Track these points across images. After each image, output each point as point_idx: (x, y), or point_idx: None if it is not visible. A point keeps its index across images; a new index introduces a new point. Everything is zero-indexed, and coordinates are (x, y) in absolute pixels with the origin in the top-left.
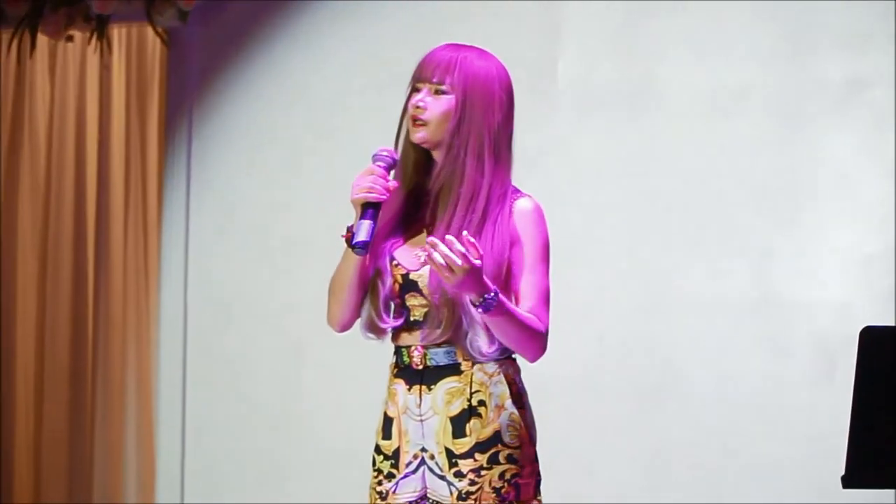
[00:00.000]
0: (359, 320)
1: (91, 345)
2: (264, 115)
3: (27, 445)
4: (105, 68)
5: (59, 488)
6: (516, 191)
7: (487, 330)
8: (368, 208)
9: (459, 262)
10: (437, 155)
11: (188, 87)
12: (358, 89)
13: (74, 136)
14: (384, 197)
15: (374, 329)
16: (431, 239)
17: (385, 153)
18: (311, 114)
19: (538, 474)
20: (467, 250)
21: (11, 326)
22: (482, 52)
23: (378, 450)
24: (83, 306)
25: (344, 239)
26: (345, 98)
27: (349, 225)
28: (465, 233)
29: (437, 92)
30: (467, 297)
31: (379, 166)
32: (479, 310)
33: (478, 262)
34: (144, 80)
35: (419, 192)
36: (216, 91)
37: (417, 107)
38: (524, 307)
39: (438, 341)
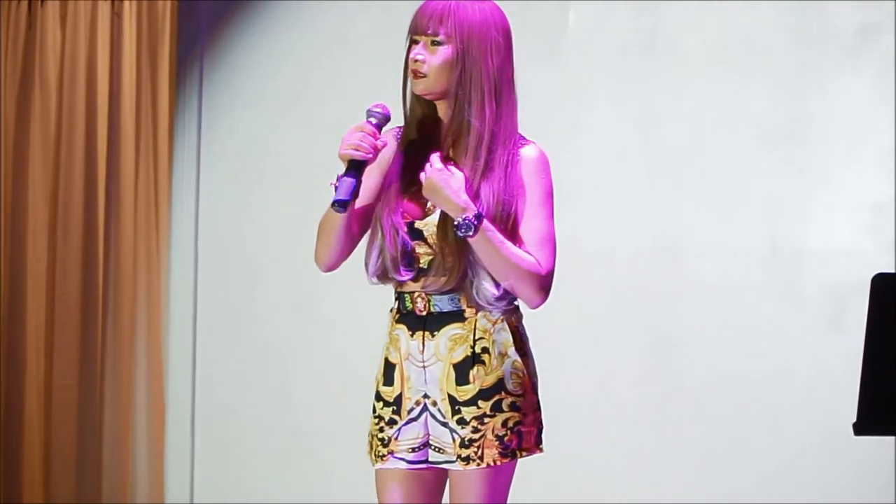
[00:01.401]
0: (370, 262)
1: (101, 293)
2: (275, 63)
3: (38, 395)
4: (116, 16)
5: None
6: (522, 138)
7: (493, 277)
8: (353, 166)
9: (434, 165)
10: (443, 106)
11: (199, 35)
12: (371, 37)
13: (85, 83)
14: (370, 156)
15: (385, 278)
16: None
17: (378, 110)
18: (323, 63)
19: (540, 423)
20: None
21: (22, 275)
22: None
23: (378, 396)
24: (94, 254)
25: (333, 185)
26: (358, 46)
27: (339, 174)
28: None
29: (434, 43)
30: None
31: (370, 123)
32: (460, 231)
33: (450, 171)
34: (155, 27)
35: (427, 143)
36: (227, 39)
37: (416, 60)
38: (531, 252)
39: (444, 289)
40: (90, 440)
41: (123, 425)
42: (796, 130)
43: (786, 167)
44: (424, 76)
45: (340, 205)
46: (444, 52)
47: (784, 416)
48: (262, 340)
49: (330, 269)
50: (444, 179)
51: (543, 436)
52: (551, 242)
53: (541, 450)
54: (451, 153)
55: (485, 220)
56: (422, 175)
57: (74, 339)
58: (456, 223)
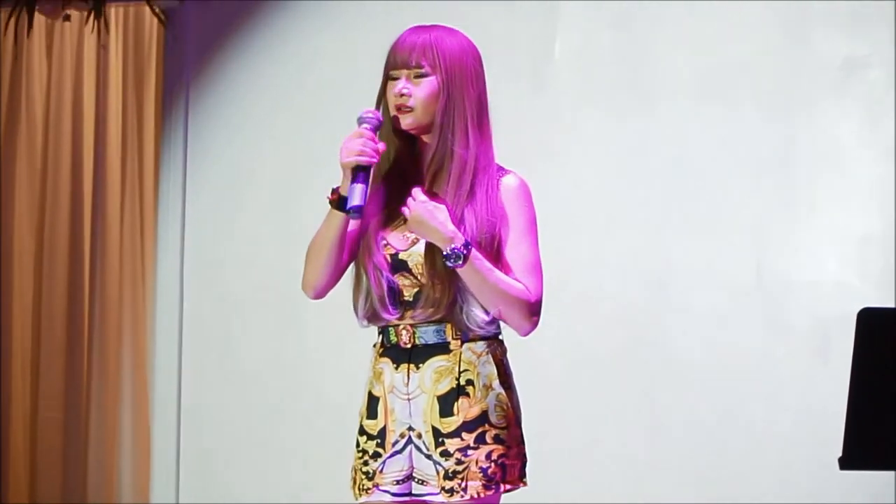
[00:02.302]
0: (358, 307)
1: (87, 323)
2: (261, 94)
3: (24, 424)
4: (102, 48)
5: (55, 463)
6: (501, 168)
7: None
8: (360, 171)
9: (417, 199)
10: (428, 138)
11: (185, 67)
12: (357, 67)
13: (71, 115)
14: (375, 160)
15: (375, 319)
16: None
17: (370, 115)
18: (309, 91)
19: (524, 456)
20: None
21: (8, 304)
22: (449, 29)
23: (362, 430)
24: (79, 286)
25: (329, 201)
26: (345, 77)
27: (335, 187)
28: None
29: (418, 76)
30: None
31: (366, 128)
32: (449, 262)
33: (417, 203)
34: (141, 59)
35: (406, 177)
36: (213, 71)
37: (402, 94)
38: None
39: (432, 319)
40: (76, 481)
41: (109, 455)
42: (783, 162)
43: (772, 199)
44: (411, 109)
45: (356, 210)
46: (430, 83)
47: (770, 448)
48: (249, 362)
49: (319, 294)
50: (429, 212)
51: (527, 469)
52: (538, 269)
53: (524, 483)
54: (432, 185)
55: (473, 249)
56: (405, 209)
57: (60, 369)
58: (445, 254)
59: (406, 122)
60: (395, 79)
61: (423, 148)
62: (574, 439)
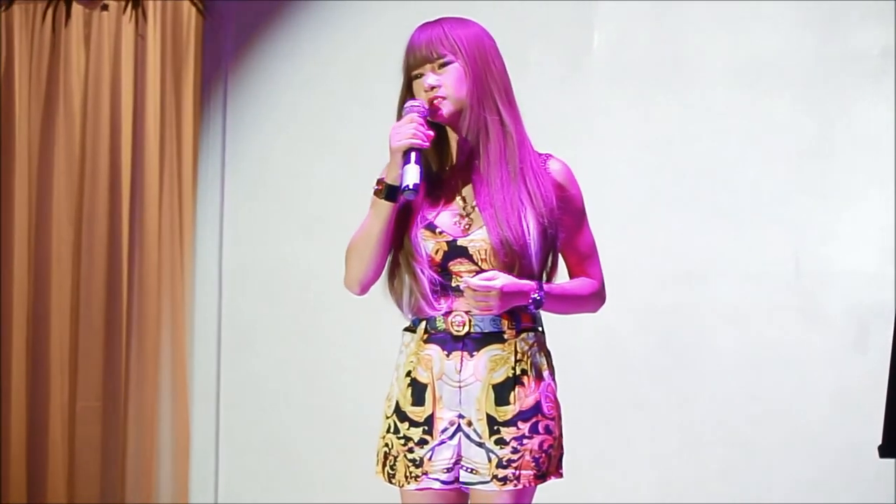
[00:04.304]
0: (402, 302)
1: (125, 313)
2: (299, 84)
3: (62, 411)
4: (140, 38)
5: (93, 459)
6: (538, 153)
7: None
8: (412, 153)
9: (492, 283)
10: (458, 123)
11: (223, 57)
12: (396, 54)
13: (109, 106)
14: (426, 144)
15: (421, 312)
16: (464, 285)
17: (417, 104)
18: (345, 82)
19: (562, 447)
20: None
21: (46, 294)
22: (457, 18)
23: (403, 417)
24: (118, 274)
25: (375, 192)
26: (381, 65)
27: (379, 177)
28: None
29: (442, 66)
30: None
31: (415, 116)
32: (532, 308)
33: (498, 281)
34: (179, 49)
35: (440, 168)
36: (251, 60)
37: (432, 87)
38: (583, 266)
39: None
40: (114, 461)
41: (148, 445)
42: (820, 152)
43: (810, 189)
44: (445, 98)
45: (414, 189)
46: (455, 69)
47: (806, 437)
48: (288, 358)
49: (365, 289)
50: (511, 280)
51: (563, 461)
52: (596, 250)
53: (561, 475)
54: (468, 167)
55: (544, 286)
56: (473, 303)
57: (98, 359)
58: (529, 305)
59: (442, 111)
60: (420, 76)
61: (457, 133)
62: (608, 430)
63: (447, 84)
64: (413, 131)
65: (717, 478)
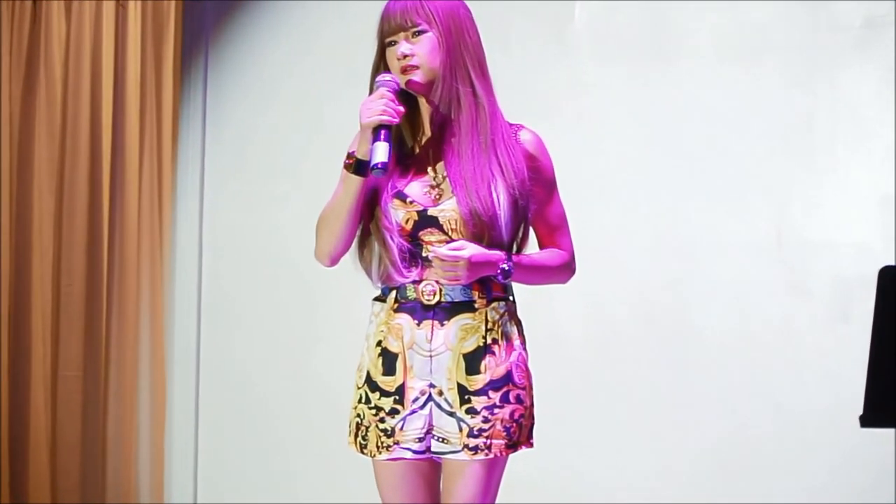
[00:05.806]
0: (371, 271)
1: (106, 284)
2: (280, 55)
3: (44, 380)
4: (121, 6)
5: (74, 426)
6: (511, 124)
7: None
8: (381, 130)
9: (460, 253)
10: (431, 93)
11: (204, 31)
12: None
13: (90, 79)
14: (396, 120)
15: (391, 280)
16: (433, 254)
17: (389, 78)
18: (327, 54)
19: (533, 417)
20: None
21: (27, 265)
22: None
23: (374, 387)
24: (98, 246)
25: (345, 165)
26: (363, 40)
27: (350, 150)
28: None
29: (416, 34)
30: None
31: (386, 91)
32: (501, 278)
33: (466, 251)
34: (160, 19)
35: (409, 137)
36: (231, 35)
37: (405, 55)
38: (553, 237)
39: None
40: (94, 431)
41: (127, 415)
42: (804, 124)
43: (793, 160)
44: (417, 67)
45: (382, 167)
46: (429, 38)
47: (790, 408)
48: (267, 332)
49: (335, 260)
50: (480, 252)
51: (534, 431)
52: (566, 221)
53: (531, 444)
54: (439, 137)
55: (513, 256)
56: (441, 273)
57: (79, 330)
58: (497, 275)
59: (413, 79)
60: (393, 44)
61: (428, 104)
62: (596, 406)
63: (420, 53)
64: (383, 108)
65: (699, 444)
